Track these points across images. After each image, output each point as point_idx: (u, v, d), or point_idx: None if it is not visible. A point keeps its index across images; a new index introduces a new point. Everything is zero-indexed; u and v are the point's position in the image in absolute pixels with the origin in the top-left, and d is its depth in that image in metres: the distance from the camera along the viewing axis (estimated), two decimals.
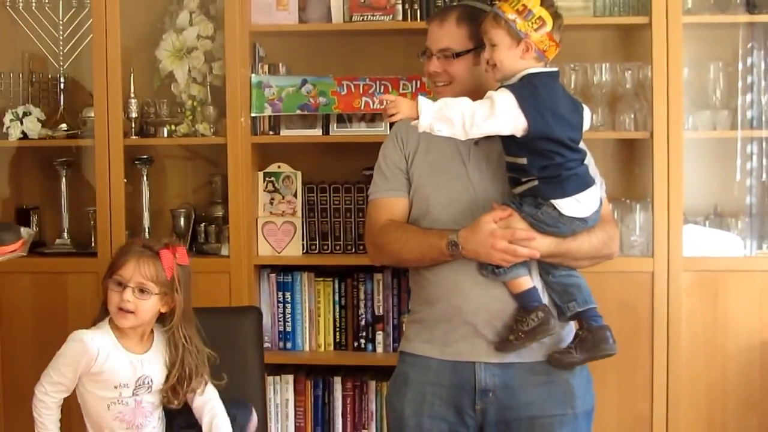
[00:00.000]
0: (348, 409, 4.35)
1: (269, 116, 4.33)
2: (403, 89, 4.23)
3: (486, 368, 3.16)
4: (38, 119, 4.45)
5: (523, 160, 3.03)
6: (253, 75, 4.29)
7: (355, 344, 4.39)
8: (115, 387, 3.12)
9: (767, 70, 4.27)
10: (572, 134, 3.04)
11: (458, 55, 3.19)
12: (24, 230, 3.47)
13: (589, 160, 3.21)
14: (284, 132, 4.35)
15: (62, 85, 4.55)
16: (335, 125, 4.34)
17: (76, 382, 3.13)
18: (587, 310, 3.14)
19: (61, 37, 4.51)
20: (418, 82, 4.23)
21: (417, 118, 2.94)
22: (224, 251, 4.31)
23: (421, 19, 4.27)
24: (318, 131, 4.34)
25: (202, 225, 4.44)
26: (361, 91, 4.24)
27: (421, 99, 2.94)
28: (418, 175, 3.29)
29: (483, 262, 3.10)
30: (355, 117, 4.32)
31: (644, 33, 4.13)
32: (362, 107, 4.24)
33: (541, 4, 2.99)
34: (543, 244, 3.07)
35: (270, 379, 4.31)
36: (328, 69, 4.36)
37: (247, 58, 4.29)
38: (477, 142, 3.18)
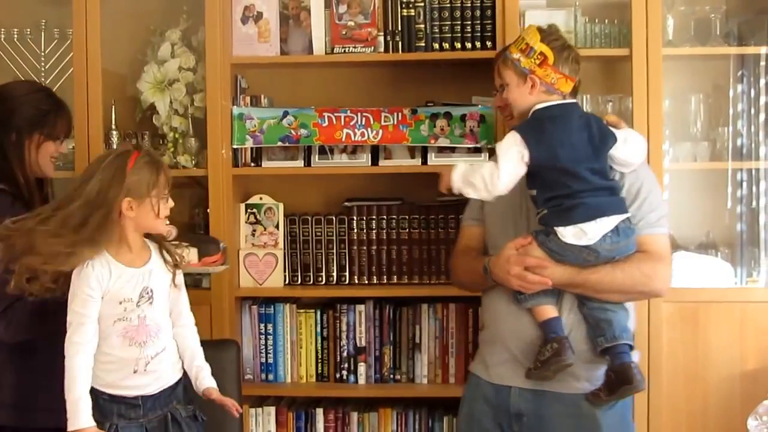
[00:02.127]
0: None
1: (251, 148, 4.33)
2: (384, 121, 4.23)
3: (521, 393, 3.25)
4: None
5: (534, 192, 3.15)
6: (235, 107, 4.30)
7: (337, 376, 4.38)
8: (120, 303, 3.09)
9: (749, 100, 4.29)
10: (588, 164, 3.09)
11: None
12: (222, 243, 3.62)
13: (651, 192, 3.24)
14: (266, 164, 4.35)
15: None
16: (317, 157, 4.34)
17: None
18: (615, 346, 3.14)
19: (43, 69, 4.52)
20: (400, 114, 4.24)
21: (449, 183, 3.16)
22: (205, 283, 4.30)
23: (402, 51, 4.29)
24: (300, 163, 4.35)
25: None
26: (343, 123, 4.23)
27: (456, 166, 3.18)
28: (486, 204, 3.40)
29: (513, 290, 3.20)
30: (336, 148, 4.32)
31: (625, 65, 4.15)
32: (343, 139, 4.23)
33: (542, 41, 3.12)
34: (556, 273, 3.13)
35: (252, 411, 4.30)
36: (310, 100, 4.36)
37: (228, 90, 4.30)
38: None
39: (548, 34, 3.16)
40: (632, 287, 3.18)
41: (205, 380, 3.26)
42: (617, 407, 3.21)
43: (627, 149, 3.18)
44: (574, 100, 3.20)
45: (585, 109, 4.19)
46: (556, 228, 3.09)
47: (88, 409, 3.01)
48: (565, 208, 3.07)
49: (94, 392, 3.11)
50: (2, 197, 3.42)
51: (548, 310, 3.18)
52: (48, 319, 3.17)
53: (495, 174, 3.07)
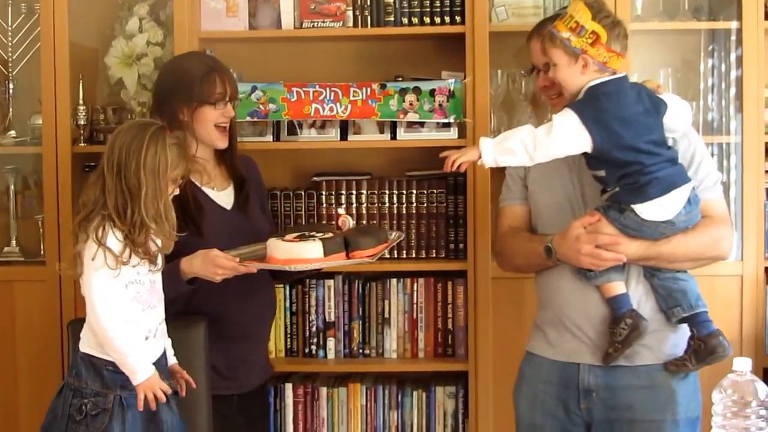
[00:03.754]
0: (299, 415, 4.35)
1: None
2: (353, 96, 4.21)
3: (590, 369, 3.21)
4: None
5: (602, 172, 3.10)
6: None
7: (306, 350, 4.38)
8: (133, 266, 3.12)
9: (720, 75, 4.30)
10: (650, 137, 3.04)
11: None
12: (395, 234, 3.54)
13: (704, 157, 3.22)
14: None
15: (11, 92, 4.52)
16: (285, 132, 4.33)
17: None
18: (694, 315, 3.13)
19: (10, 44, 4.48)
20: (369, 89, 4.22)
21: (480, 158, 3.06)
22: None
23: (371, 25, 4.28)
24: (268, 138, 4.33)
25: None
26: (311, 98, 4.21)
27: (482, 139, 3.08)
28: (531, 182, 3.38)
29: (578, 267, 3.17)
30: (305, 123, 4.31)
31: None
32: (312, 114, 4.22)
33: (593, 18, 3.01)
34: (630, 249, 3.09)
35: None
36: (279, 75, 4.34)
37: None
38: None
39: (598, 11, 3.04)
40: (703, 254, 3.16)
41: (171, 357, 3.35)
42: (691, 377, 3.21)
43: (675, 115, 3.13)
44: (624, 74, 3.11)
45: None
46: (633, 206, 3.04)
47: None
48: (640, 185, 3.02)
49: (95, 362, 3.15)
50: None
51: (618, 286, 3.14)
52: None
53: (541, 139, 3.02)
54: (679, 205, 3.05)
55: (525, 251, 3.32)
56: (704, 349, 3.10)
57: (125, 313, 3.09)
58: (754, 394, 2.41)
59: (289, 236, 3.26)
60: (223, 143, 3.53)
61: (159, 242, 3.17)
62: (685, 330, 3.20)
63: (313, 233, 3.30)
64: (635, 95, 3.07)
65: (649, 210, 3.03)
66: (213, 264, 3.21)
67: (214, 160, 3.60)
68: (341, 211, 3.28)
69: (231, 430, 3.56)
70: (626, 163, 3.02)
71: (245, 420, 3.62)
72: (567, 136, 3.01)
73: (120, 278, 3.08)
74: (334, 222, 3.40)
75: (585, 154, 3.09)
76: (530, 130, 3.05)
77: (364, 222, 4.32)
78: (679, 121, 3.15)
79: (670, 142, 3.15)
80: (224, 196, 3.58)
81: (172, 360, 3.35)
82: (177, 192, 3.21)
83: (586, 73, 3.05)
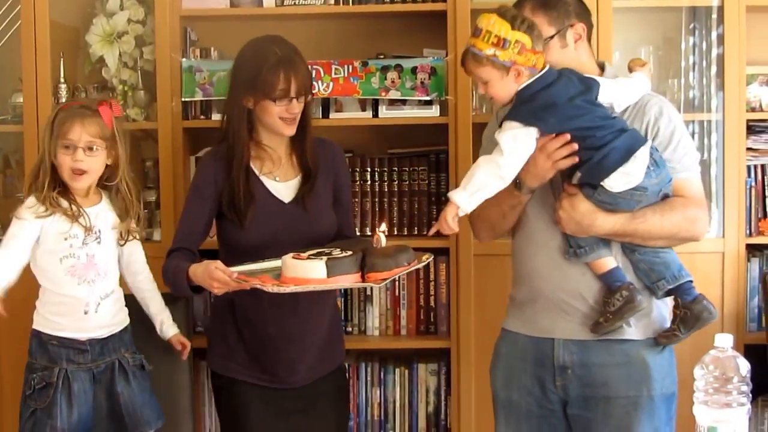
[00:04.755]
0: None
1: (200, 101, 4.32)
2: (335, 74, 4.22)
3: (565, 345, 3.21)
4: None
5: None
6: (184, 59, 4.28)
7: None
8: (65, 239, 3.21)
9: (701, 53, 4.31)
10: (590, 115, 3.04)
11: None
12: (425, 256, 3.32)
13: (683, 137, 3.20)
14: (216, 116, 4.30)
15: None
16: None
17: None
18: (679, 286, 3.14)
19: None
20: (350, 67, 4.22)
21: (458, 209, 3.03)
22: (156, 236, 4.33)
23: (353, 3, 4.28)
24: None
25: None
26: None
27: (450, 194, 3.05)
28: None
29: (566, 246, 3.16)
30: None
31: None
32: None
33: (513, 28, 2.99)
34: (607, 224, 3.08)
35: (203, 363, 4.29)
36: None
37: (178, 43, 4.28)
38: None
39: (513, 18, 3.01)
40: (677, 233, 3.16)
41: (169, 329, 3.49)
42: (666, 352, 3.23)
43: (611, 90, 3.13)
44: (547, 67, 3.08)
45: None
46: (601, 183, 3.04)
47: None
48: (598, 160, 3.02)
49: (43, 338, 3.25)
50: (205, 157, 3.55)
51: (608, 261, 3.15)
52: None
53: (500, 161, 3.00)
54: (643, 168, 3.04)
55: (495, 198, 3.17)
56: (690, 315, 3.11)
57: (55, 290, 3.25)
58: (736, 370, 2.43)
59: (305, 253, 3.10)
60: (289, 131, 3.41)
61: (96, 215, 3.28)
62: (659, 305, 3.22)
63: (335, 250, 3.13)
64: (565, 81, 3.07)
65: (617, 181, 3.02)
66: (209, 276, 3.13)
67: (287, 148, 3.52)
68: (381, 227, 3.20)
69: (275, 419, 3.52)
70: (581, 145, 3.02)
71: (294, 411, 3.53)
72: (520, 143, 3.01)
73: (54, 252, 3.21)
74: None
75: None
76: (488, 160, 3.04)
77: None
78: (621, 96, 3.15)
79: (650, 123, 3.16)
80: (286, 188, 3.48)
81: (169, 332, 3.48)
82: (80, 158, 3.23)
83: (519, 81, 3.04)
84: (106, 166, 3.31)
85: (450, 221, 3.04)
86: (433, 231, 3.13)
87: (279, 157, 3.48)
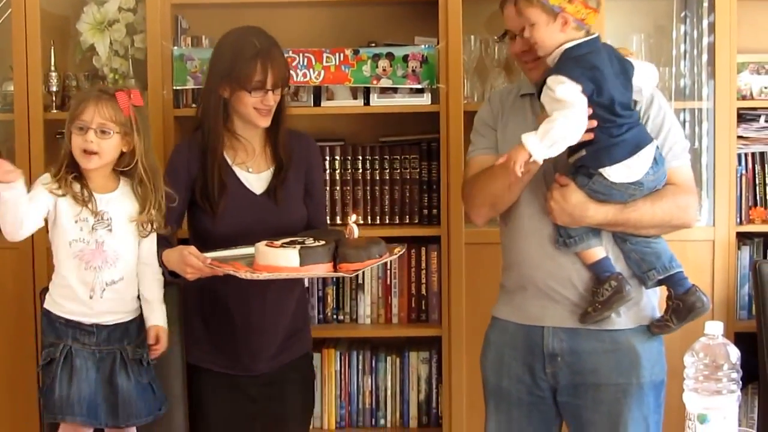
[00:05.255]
0: None
1: (192, 89, 4.31)
2: (326, 62, 4.21)
3: (554, 333, 3.21)
4: None
5: None
6: (175, 48, 4.27)
7: None
8: (75, 222, 3.21)
9: (692, 41, 4.31)
10: (621, 98, 3.02)
11: None
12: (397, 249, 3.33)
13: (673, 125, 3.21)
14: None
15: None
16: None
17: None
18: (670, 276, 3.14)
19: None
20: (342, 55, 4.22)
21: (530, 157, 2.97)
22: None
23: None
24: None
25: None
26: None
27: (524, 138, 2.96)
28: (499, 141, 3.33)
29: (556, 235, 3.15)
30: None
31: None
32: None
33: None
34: (599, 214, 3.09)
35: None
36: None
37: (169, 31, 4.26)
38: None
39: None
40: (669, 221, 3.16)
41: (150, 318, 3.40)
42: (655, 340, 3.23)
43: (642, 76, 3.12)
44: (597, 34, 3.07)
45: None
46: (601, 169, 3.03)
47: None
48: (607, 147, 3.01)
49: (52, 317, 3.27)
50: (178, 146, 3.62)
51: (598, 251, 3.14)
52: None
53: (572, 120, 2.93)
54: (645, 166, 3.05)
55: (490, 176, 3.20)
56: (683, 307, 3.12)
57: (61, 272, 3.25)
58: (726, 357, 2.43)
59: (278, 241, 3.13)
60: (263, 123, 3.43)
61: (111, 202, 3.27)
62: (649, 294, 3.23)
63: (308, 239, 3.16)
64: (607, 57, 3.05)
65: (617, 172, 3.03)
66: (183, 261, 3.19)
67: (261, 140, 3.53)
68: (352, 218, 3.21)
69: (238, 405, 3.56)
70: (601, 120, 3.00)
71: (258, 398, 3.57)
72: (577, 94, 2.95)
73: (64, 234, 3.22)
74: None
75: None
76: (562, 115, 2.94)
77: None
78: (645, 83, 3.15)
79: (642, 109, 3.17)
80: (258, 180, 3.51)
81: (153, 321, 3.41)
82: (91, 140, 3.21)
83: (565, 31, 3.01)
84: (122, 153, 3.29)
85: (517, 168, 2.98)
86: (499, 161, 3.04)
87: (253, 148, 3.50)
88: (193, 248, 3.19)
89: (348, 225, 3.16)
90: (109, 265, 3.26)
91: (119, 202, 3.29)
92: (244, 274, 3.03)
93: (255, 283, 3.18)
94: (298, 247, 3.05)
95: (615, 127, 3.01)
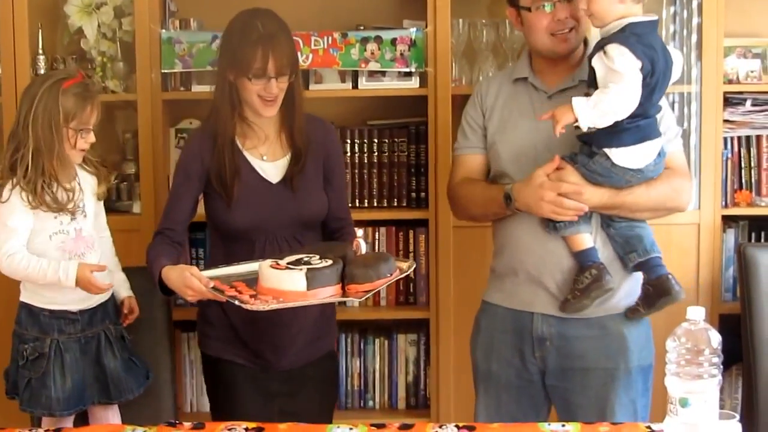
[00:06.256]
0: None
1: (180, 72, 4.30)
2: (314, 45, 4.21)
3: (543, 319, 3.24)
4: None
5: None
6: (163, 31, 4.26)
7: None
8: (55, 217, 3.24)
9: (682, 22, 4.31)
10: (664, 84, 3.03)
11: None
12: (407, 264, 3.17)
13: (666, 110, 3.22)
14: (195, 88, 4.31)
15: None
16: None
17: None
18: (648, 260, 3.16)
19: None
20: (330, 38, 4.22)
21: (575, 120, 2.97)
22: (136, 209, 4.32)
23: None
24: None
25: (114, 182, 4.38)
26: None
27: (575, 102, 2.96)
28: (491, 131, 3.34)
29: (544, 218, 3.15)
30: None
31: None
32: None
33: None
34: (594, 197, 3.09)
35: (184, 335, 4.33)
36: None
37: (157, 14, 4.25)
38: (551, 96, 3.22)
39: None
40: (663, 204, 3.19)
41: (120, 291, 3.49)
42: (643, 325, 3.26)
43: (678, 66, 3.13)
44: (656, 17, 3.07)
45: (517, 33, 4.24)
46: (606, 149, 3.02)
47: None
48: (621, 129, 3.00)
49: (33, 310, 3.29)
50: (192, 134, 3.59)
51: (585, 240, 3.15)
52: None
53: (624, 95, 2.93)
54: (650, 157, 3.07)
55: (482, 200, 3.31)
56: (654, 292, 3.14)
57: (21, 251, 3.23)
58: (707, 342, 2.45)
59: (283, 261, 2.98)
60: (267, 112, 3.28)
61: (79, 190, 3.31)
62: (637, 280, 3.24)
63: (314, 257, 2.99)
64: (661, 42, 3.06)
65: (622, 156, 3.03)
66: (185, 284, 3.04)
67: (276, 126, 3.39)
68: (359, 233, 3.17)
69: (265, 399, 3.46)
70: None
71: (278, 394, 3.48)
72: (635, 69, 2.93)
73: (43, 230, 3.23)
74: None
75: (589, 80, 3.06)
76: (614, 89, 2.93)
77: None
78: (676, 73, 3.14)
79: None
80: (273, 168, 3.37)
81: (124, 293, 3.50)
82: (92, 140, 3.26)
83: (624, 2, 2.99)
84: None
85: (558, 128, 2.99)
86: (545, 117, 3.05)
87: (266, 135, 3.36)
88: (195, 269, 3.06)
89: (355, 240, 3.13)
90: (90, 248, 3.31)
91: (84, 181, 3.33)
92: (249, 306, 2.88)
93: None
94: (305, 268, 2.91)
95: (643, 110, 3.01)
